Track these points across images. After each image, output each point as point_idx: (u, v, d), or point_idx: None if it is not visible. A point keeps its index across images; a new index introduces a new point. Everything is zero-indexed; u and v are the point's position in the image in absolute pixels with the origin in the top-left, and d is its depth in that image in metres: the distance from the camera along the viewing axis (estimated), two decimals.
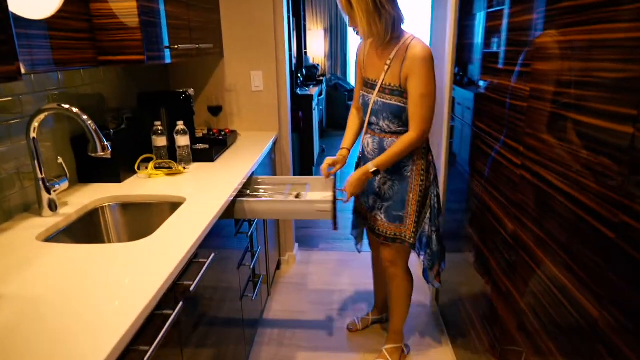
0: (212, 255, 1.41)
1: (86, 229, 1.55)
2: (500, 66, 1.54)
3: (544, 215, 1.15)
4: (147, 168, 1.90)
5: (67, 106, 1.40)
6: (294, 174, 4.65)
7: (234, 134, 2.50)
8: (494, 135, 1.57)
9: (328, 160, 1.93)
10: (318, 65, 7.45)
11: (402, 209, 1.89)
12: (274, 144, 2.79)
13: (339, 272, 2.99)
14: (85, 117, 1.40)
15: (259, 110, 2.77)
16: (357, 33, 1.76)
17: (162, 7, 1.78)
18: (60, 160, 1.56)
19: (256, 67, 2.69)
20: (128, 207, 1.66)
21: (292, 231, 3.07)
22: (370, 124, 1.92)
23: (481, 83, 1.76)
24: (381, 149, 1.86)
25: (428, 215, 1.91)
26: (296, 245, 3.18)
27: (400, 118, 1.80)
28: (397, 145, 1.78)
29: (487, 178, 1.66)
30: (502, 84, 1.50)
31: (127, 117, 2.14)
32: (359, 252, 2.25)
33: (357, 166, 2.04)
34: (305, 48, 7.24)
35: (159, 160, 1.97)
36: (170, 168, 1.91)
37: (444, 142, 2.35)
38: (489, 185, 1.63)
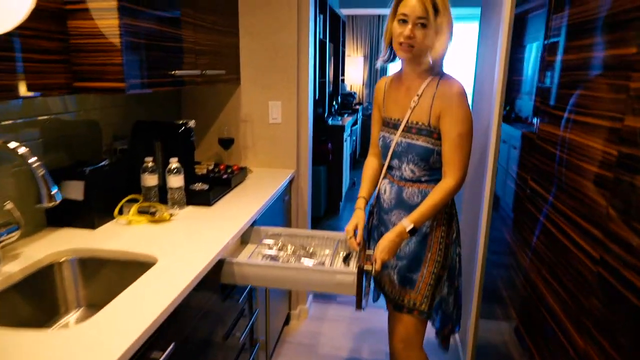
0: (172, 346, 1.08)
1: (32, 293, 1.27)
2: (576, 116, 1.16)
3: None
4: (130, 212, 1.62)
5: (14, 145, 1.14)
6: (322, 210, 4.36)
7: (242, 172, 2.20)
8: (556, 206, 1.18)
9: (349, 231, 1.62)
10: (355, 93, 7.18)
11: (417, 270, 1.59)
12: (290, 183, 2.48)
13: (357, 333, 2.59)
14: (33, 159, 1.13)
15: (275, 144, 2.47)
16: (389, 57, 1.57)
17: (155, 27, 1.52)
18: (9, 205, 1.30)
19: (275, 96, 2.41)
20: (89, 265, 1.37)
21: None
22: (390, 167, 1.64)
23: (534, 120, 1.40)
24: (399, 200, 1.59)
25: (446, 276, 1.60)
26: (310, 296, 2.82)
27: (427, 161, 1.52)
28: (434, 196, 1.49)
29: (539, 255, 1.26)
30: (575, 140, 1.12)
31: (121, 150, 1.90)
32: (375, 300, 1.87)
33: (371, 214, 1.74)
34: (343, 75, 7.00)
35: (144, 204, 1.68)
36: (154, 214, 1.62)
37: (488, 185, 1.96)
38: (545, 269, 1.23)
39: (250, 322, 1.78)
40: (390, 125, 1.62)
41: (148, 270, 1.25)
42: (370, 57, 7.99)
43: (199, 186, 1.90)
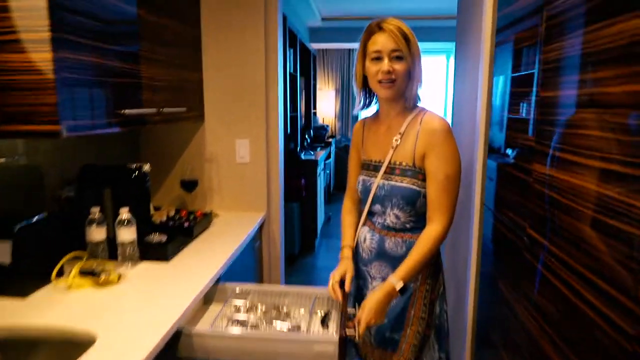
0: None
1: None
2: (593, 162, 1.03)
3: None
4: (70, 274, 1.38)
5: None
6: (296, 248, 4.13)
7: (207, 218, 1.99)
8: (559, 255, 1.03)
9: (335, 276, 1.42)
10: (327, 126, 7.10)
11: (399, 329, 1.41)
12: (260, 227, 2.27)
13: None
14: None
15: (244, 185, 2.28)
16: (365, 102, 1.48)
17: (101, 62, 1.33)
18: None
19: (242, 134, 2.23)
20: (10, 348, 1.13)
21: None
22: (371, 213, 1.48)
23: (508, 152, 1.29)
24: (380, 251, 1.43)
25: (433, 336, 1.42)
26: None
27: (413, 205, 1.37)
28: (421, 246, 1.32)
29: (545, 315, 1.10)
30: (587, 188, 0.98)
31: (67, 198, 1.67)
32: None
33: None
34: (315, 108, 6.92)
35: (89, 262, 1.45)
36: (99, 275, 1.39)
37: (475, 228, 1.81)
38: (555, 334, 1.06)
39: None
40: (370, 167, 1.47)
41: (84, 352, 1.02)
42: (342, 90, 7.98)
43: (155, 237, 1.68)
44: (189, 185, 2.15)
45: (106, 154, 1.98)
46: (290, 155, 4.24)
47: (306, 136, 5.69)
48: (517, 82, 1.45)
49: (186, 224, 1.83)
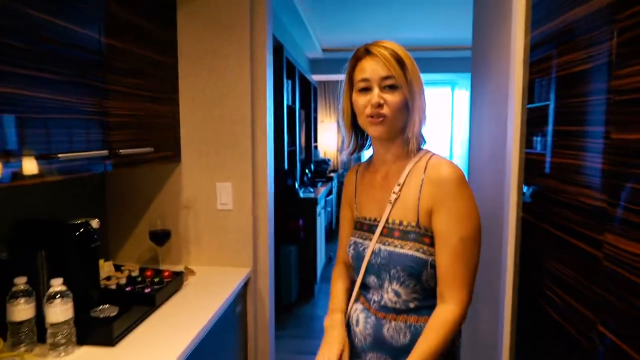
0: None
1: None
2: None
3: None
4: None
5: None
6: (293, 296, 3.73)
7: (177, 279, 1.65)
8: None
9: (331, 354, 1.08)
10: (329, 160, 6.80)
11: None
12: (245, 286, 1.92)
13: None
14: None
15: (225, 236, 1.94)
16: (356, 145, 1.21)
17: (26, 94, 1.03)
18: None
19: (224, 176, 1.91)
20: None
21: None
22: (365, 287, 1.16)
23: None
24: (377, 339, 1.09)
25: None
26: None
27: (418, 278, 1.04)
28: (432, 333, 0.99)
29: None
30: None
31: None
32: None
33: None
34: (316, 142, 6.65)
35: (4, 354, 1.10)
36: None
37: (507, 314, 1.45)
38: None
39: None
40: (364, 227, 1.15)
41: None
42: None
43: (104, 311, 1.33)
44: (160, 237, 1.82)
45: (58, 203, 1.65)
46: (288, 193, 3.92)
47: (306, 171, 5.39)
48: (563, 117, 1.13)
49: (147, 290, 1.49)
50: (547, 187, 1.19)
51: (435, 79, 6.88)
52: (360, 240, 1.14)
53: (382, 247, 1.08)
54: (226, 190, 1.91)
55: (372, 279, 1.11)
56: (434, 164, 1.05)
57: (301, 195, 4.17)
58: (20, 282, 1.17)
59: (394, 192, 1.08)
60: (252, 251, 1.94)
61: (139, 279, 1.58)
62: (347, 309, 1.20)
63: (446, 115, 7.16)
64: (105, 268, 1.64)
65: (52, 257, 1.28)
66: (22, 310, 1.17)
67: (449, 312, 0.99)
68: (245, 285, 1.93)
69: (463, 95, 6.97)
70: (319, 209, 4.27)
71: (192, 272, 1.83)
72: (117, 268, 1.69)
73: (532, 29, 1.28)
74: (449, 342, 0.99)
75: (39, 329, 1.20)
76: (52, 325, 1.17)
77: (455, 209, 0.99)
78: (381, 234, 1.09)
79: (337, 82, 7.40)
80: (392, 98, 1.03)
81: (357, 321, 1.14)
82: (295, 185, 4.24)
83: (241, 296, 1.87)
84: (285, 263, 3.62)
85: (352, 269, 1.21)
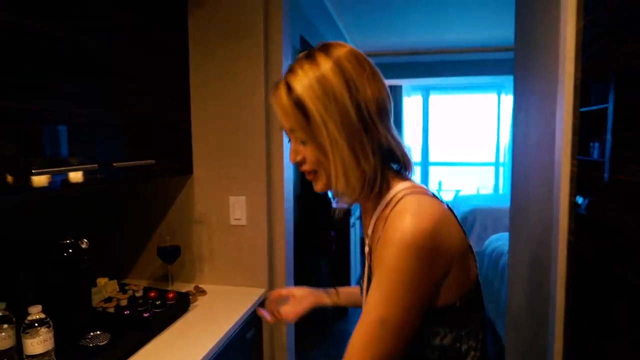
0: None
1: None
2: None
3: None
4: None
5: None
6: (325, 312, 3.56)
7: (182, 301, 1.53)
8: None
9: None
10: None
11: None
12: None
13: None
14: None
15: (239, 254, 1.81)
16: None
17: None
18: None
19: (237, 190, 1.78)
20: None
21: None
22: None
23: None
24: None
25: None
26: None
27: None
28: None
29: None
30: None
31: None
32: None
33: None
34: None
35: None
36: None
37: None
38: None
39: None
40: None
41: None
42: None
43: (94, 339, 1.22)
44: (169, 254, 1.71)
45: (59, 221, 1.58)
46: (319, 203, 3.77)
47: None
48: (625, 121, 0.92)
49: (146, 314, 1.37)
50: (606, 213, 0.97)
51: (480, 82, 6.52)
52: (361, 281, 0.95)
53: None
54: (240, 205, 1.78)
55: None
56: (395, 214, 0.76)
57: (334, 205, 4.00)
58: None
59: (367, 235, 0.89)
60: (267, 270, 1.79)
61: (141, 300, 1.47)
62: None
63: (492, 124, 6.74)
64: (109, 287, 1.55)
65: (37, 280, 1.18)
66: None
67: None
68: (260, 307, 1.79)
69: (510, 101, 6.54)
70: (352, 219, 4.09)
71: (202, 292, 1.70)
72: (122, 287, 1.59)
73: (585, 15, 1.06)
74: None
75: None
76: (29, 357, 1.06)
77: (387, 280, 0.73)
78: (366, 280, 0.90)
79: None
80: (307, 152, 0.82)
81: None
82: (326, 195, 4.07)
83: (254, 320, 1.72)
84: (315, 277, 3.46)
85: None
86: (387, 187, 0.83)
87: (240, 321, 1.52)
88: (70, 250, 1.21)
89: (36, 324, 1.06)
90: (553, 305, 1.27)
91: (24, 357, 1.06)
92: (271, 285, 1.81)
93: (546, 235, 1.33)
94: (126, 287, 1.57)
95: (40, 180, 1.02)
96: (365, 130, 0.78)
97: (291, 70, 0.81)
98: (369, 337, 0.75)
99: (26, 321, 1.06)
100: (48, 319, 1.08)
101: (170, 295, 1.52)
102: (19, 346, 1.09)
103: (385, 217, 0.79)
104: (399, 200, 0.78)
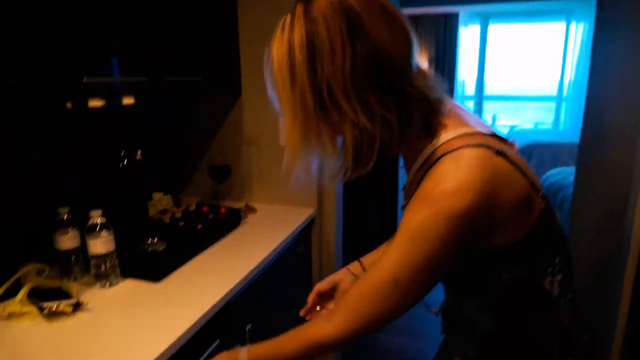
0: None
1: None
2: None
3: None
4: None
5: None
6: (373, 239, 3.54)
7: (234, 216, 1.55)
8: None
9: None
10: None
11: None
12: (308, 228, 1.79)
13: None
14: None
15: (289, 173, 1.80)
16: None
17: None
18: None
19: None
20: None
21: None
22: None
23: None
24: None
25: None
26: None
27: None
28: (294, 338, 0.79)
29: None
30: None
31: None
32: None
33: None
34: None
35: (46, 282, 1.08)
36: (42, 309, 1.00)
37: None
38: None
39: None
40: None
41: None
42: (436, 60, 7.11)
43: (152, 246, 1.27)
44: (220, 173, 1.73)
45: (113, 139, 1.61)
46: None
47: None
48: None
49: (199, 226, 1.41)
50: None
51: (547, 8, 5.88)
52: None
53: None
54: None
55: None
56: (439, 164, 0.67)
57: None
58: (64, 211, 1.13)
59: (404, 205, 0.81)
60: (316, 191, 1.79)
61: (194, 214, 1.51)
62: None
63: (556, 56, 6.10)
64: (164, 201, 1.60)
65: (95, 187, 1.23)
66: (67, 239, 1.14)
67: (324, 331, 0.75)
68: (310, 226, 1.80)
69: (580, 30, 5.82)
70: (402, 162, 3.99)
71: (252, 210, 1.73)
72: (177, 202, 1.63)
73: None
74: (302, 353, 0.77)
75: (85, 259, 1.17)
76: (94, 257, 1.12)
77: (409, 247, 0.67)
78: None
79: (429, 15, 6.74)
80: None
81: None
82: None
83: (305, 237, 1.75)
84: (365, 211, 3.45)
85: None
86: (430, 135, 0.73)
87: (291, 236, 1.54)
88: (126, 161, 1.23)
89: (96, 226, 1.11)
90: (626, 244, 1.17)
91: (89, 257, 1.13)
92: (320, 205, 1.81)
93: (624, 177, 1.20)
94: (180, 202, 1.62)
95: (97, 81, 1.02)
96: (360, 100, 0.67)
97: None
98: (376, 293, 0.71)
99: (89, 224, 1.11)
100: (108, 223, 1.12)
101: (222, 210, 1.55)
102: (83, 247, 1.16)
103: (420, 177, 0.71)
104: (436, 160, 0.68)
